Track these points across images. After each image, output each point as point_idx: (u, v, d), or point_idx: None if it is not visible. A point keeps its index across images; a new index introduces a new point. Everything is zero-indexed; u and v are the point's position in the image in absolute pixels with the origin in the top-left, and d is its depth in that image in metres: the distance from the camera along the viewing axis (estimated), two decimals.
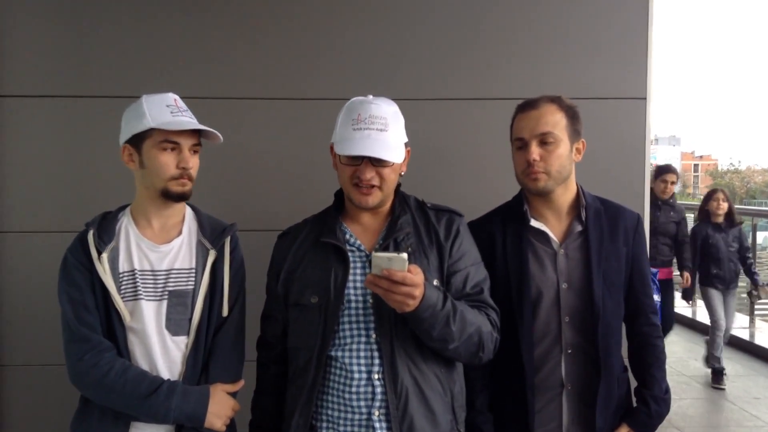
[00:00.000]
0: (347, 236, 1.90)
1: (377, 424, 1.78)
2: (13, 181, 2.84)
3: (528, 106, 2.04)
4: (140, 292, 1.88)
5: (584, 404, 2.03)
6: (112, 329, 1.87)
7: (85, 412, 1.91)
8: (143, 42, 2.84)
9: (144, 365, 1.88)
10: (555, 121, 1.99)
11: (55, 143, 2.85)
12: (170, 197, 1.90)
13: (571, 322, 2.03)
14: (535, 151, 1.98)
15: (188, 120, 1.88)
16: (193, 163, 1.91)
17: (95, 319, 1.86)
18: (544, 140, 1.99)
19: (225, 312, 1.96)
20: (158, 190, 1.89)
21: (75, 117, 2.84)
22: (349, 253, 1.86)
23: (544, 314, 2.04)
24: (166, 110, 1.87)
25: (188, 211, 2.03)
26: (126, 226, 1.95)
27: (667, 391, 2.10)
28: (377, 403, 1.79)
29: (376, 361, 1.80)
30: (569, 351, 2.03)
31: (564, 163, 2.01)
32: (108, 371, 1.82)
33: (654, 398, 2.07)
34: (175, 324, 1.90)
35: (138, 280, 1.89)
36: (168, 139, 1.86)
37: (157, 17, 2.86)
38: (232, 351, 1.99)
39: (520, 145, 2.03)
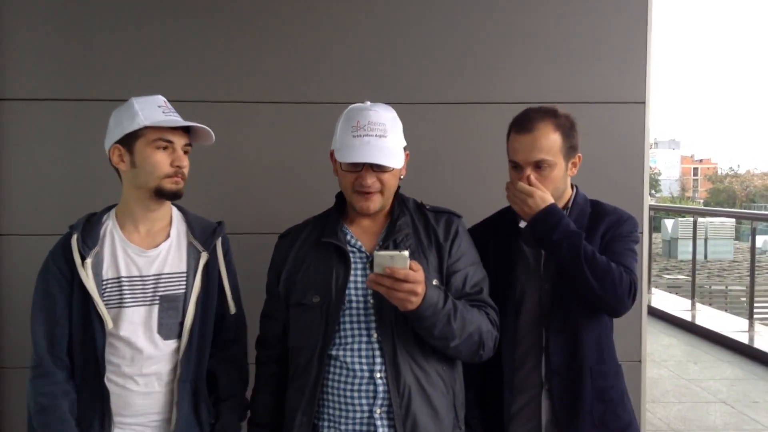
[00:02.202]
0: (348, 237, 1.92)
1: (379, 422, 1.80)
2: (14, 183, 2.85)
3: (522, 128, 2.00)
4: (127, 299, 1.88)
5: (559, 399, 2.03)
6: (91, 336, 1.86)
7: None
8: (144, 46, 2.85)
9: (127, 370, 1.87)
10: (549, 146, 1.98)
11: (55, 146, 2.86)
12: (164, 196, 1.90)
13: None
14: (530, 177, 1.98)
15: (180, 119, 1.90)
16: (186, 162, 1.92)
17: (62, 330, 1.88)
18: (538, 165, 1.98)
19: (232, 310, 1.99)
20: (151, 189, 1.89)
21: (76, 120, 2.85)
22: (350, 254, 1.88)
23: (526, 314, 2.05)
24: (158, 110, 1.87)
25: (175, 212, 2.02)
26: (111, 230, 1.94)
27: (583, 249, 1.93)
28: (379, 402, 1.80)
29: (378, 360, 1.81)
30: (549, 351, 2.04)
31: (558, 185, 2.03)
32: (37, 402, 1.88)
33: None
34: (167, 328, 1.90)
35: (125, 286, 1.88)
36: (162, 137, 1.86)
37: (158, 21, 2.87)
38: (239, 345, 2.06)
39: (515, 166, 2.04)
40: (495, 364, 2.03)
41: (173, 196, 1.91)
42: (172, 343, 1.91)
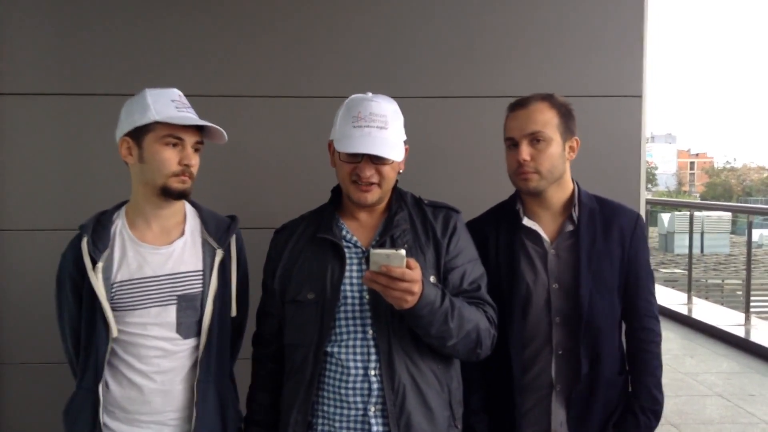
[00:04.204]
0: (344, 232, 1.90)
1: (373, 420, 1.78)
2: (11, 179, 2.85)
3: (518, 105, 2.02)
4: (140, 300, 1.85)
5: (573, 406, 2.02)
6: (95, 341, 1.84)
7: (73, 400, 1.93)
8: (141, 40, 2.85)
9: (144, 368, 1.86)
10: (545, 120, 1.97)
11: (53, 141, 2.85)
12: (170, 195, 1.85)
13: (562, 324, 2.01)
14: (525, 150, 1.96)
15: (194, 116, 1.84)
16: (195, 161, 1.86)
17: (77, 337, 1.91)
18: (534, 139, 1.96)
19: (233, 312, 1.95)
20: (158, 186, 1.84)
21: (73, 115, 2.85)
22: (346, 250, 1.86)
23: (534, 315, 2.02)
24: (171, 105, 1.82)
25: (189, 208, 1.99)
26: (121, 230, 1.90)
27: (657, 401, 2.05)
28: (373, 399, 1.79)
29: (373, 357, 1.79)
30: (559, 352, 2.02)
31: (556, 163, 1.98)
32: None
33: (641, 409, 2.03)
34: (186, 327, 1.88)
35: (137, 287, 1.85)
36: (173, 134, 1.81)
37: (154, 15, 2.86)
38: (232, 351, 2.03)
39: (511, 145, 2.02)
40: (502, 366, 2.02)
41: (179, 196, 1.86)
42: (191, 341, 1.89)
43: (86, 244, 1.83)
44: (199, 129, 1.87)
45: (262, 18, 2.89)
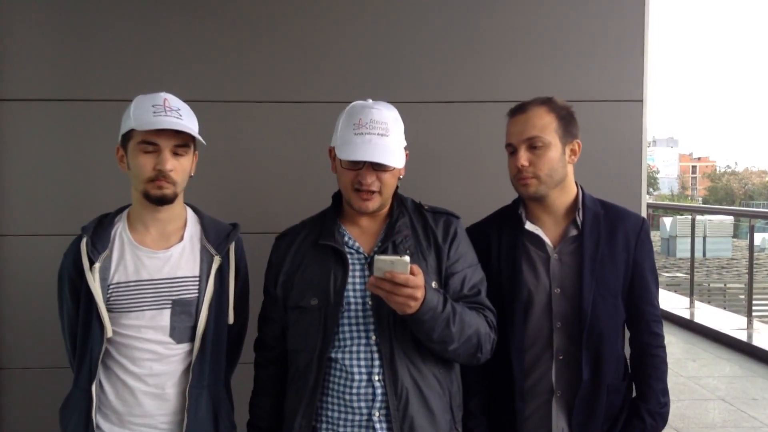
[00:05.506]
0: (346, 238, 1.91)
1: (377, 425, 1.79)
2: (13, 184, 2.85)
3: (517, 110, 2.02)
4: (136, 302, 1.86)
5: (576, 412, 2.01)
6: (90, 341, 1.84)
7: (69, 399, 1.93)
8: (143, 46, 2.85)
9: (137, 370, 1.86)
10: (543, 125, 1.97)
11: (54, 147, 2.86)
12: (150, 200, 1.85)
13: (563, 328, 2.01)
14: (523, 156, 1.97)
15: (169, 120, 1.81)
16: (175, 164, 1.84)
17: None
18: (532, 144, 1.96)
19: (231, 320, 1.95)
20: (140, 192, 1.86)
21: (74, 120, 2.85)
22: (348, 256, 1.87)
23: (535, 319, 2.02)
24: (149, 110, 1.81)
25: (190, 213, 1.99)
26: (121, 232, 1.91)
27: (665, 405, 2.05)
28: (377, 404, 1.80)
29: (376, 363, 1.80)
30: (560, 357, 2.01)
31: (555, 167, 1.98)
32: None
33: (649, 412, 2.03)
34: (179, 332, 1.88)
35: (133, 290, 1.86)
36: (146, 140, 1.81)
37: (156, 21, 2.87)
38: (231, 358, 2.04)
39: (511, 151, 2.02)
40: (503, 370, 2.01)
41: (158, 201, 1.86)
42: (184, 347, 1.90)
43: (85, 245, 1.85)
44: (182, 131, 1.84)
45: (262, 24, 2.89)
